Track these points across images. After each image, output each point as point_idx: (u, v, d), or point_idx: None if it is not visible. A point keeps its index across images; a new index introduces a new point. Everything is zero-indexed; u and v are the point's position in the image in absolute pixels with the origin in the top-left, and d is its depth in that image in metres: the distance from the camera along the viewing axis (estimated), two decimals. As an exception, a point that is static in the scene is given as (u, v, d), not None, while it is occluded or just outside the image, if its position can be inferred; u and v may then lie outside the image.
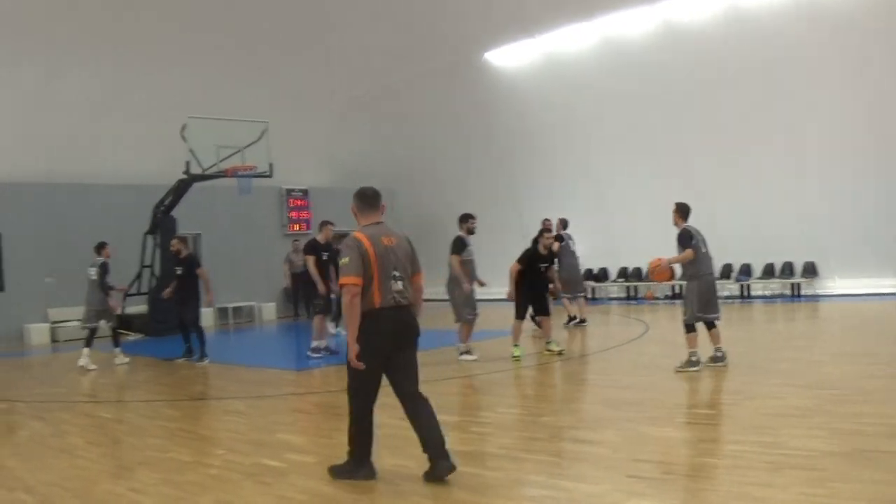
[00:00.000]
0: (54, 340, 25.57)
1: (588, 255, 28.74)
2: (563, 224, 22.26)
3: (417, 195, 35.84)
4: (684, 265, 13.76)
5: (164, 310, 22.32)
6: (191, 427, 11.49)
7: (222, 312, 29.71)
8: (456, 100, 32.19)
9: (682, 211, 14.02)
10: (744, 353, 15.00)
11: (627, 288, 30.21)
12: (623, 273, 30.37)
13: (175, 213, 25.82)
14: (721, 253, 28.16)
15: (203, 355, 18.36)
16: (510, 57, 30.74)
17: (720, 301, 13.97)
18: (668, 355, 15.44)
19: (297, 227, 33.14)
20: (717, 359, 13.40)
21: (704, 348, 13.35)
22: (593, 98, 28.52)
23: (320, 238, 18.02)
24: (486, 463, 8.24)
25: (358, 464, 7.96)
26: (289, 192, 33.08)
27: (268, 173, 24.88)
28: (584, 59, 28.50)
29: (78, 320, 24.51)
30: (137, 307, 25.98)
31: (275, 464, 8.70)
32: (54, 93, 26.63)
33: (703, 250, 13.71)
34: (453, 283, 16.18)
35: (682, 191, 27.91)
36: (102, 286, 18.54)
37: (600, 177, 29.70)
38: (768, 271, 27.40)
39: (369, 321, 7.62)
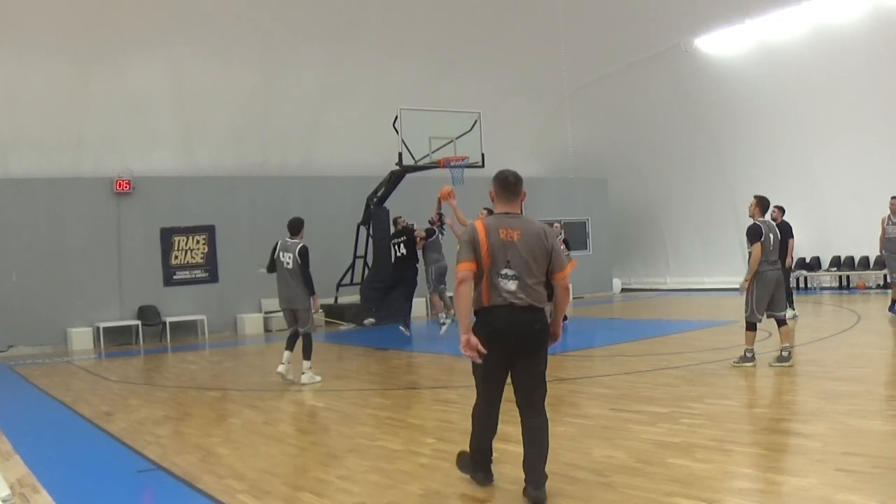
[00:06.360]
0: (267, 330, 26.26)
1: (799, 244, 28.23)
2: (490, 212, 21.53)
3: (628, 185, 35.73)
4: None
5: (375, 300, 22.81)
6: (401, 416, 11.56)
7: (437, 302, 29.76)
8: (666, 88, 31.70)
9: (762, 204, 13.89)
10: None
11: (840, 278, 29.58)
12: (836, 262, 29.64)
13: (388, 203, 26.13)
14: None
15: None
16: (720, 44, 30.03)
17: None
18: (882, 346, 15.27)
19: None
20: (783, 359, 13.09)
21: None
22: (805, 86, 27.80)
23: None
24: (696, 455, 8.12)
25: (476, 464, 7.69)
26: (500, 182, 32.55)
27: (480, 164, 24.75)
28: (795, 47, 27.67)
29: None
30: (349, 297, 26.49)
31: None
32: (270, 87, 27.40)
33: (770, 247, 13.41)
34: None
35: (893, 180, 27.28)
36: None
37: (812, 166, 28.94)
38: None
39: (478, 318, 7.06)
